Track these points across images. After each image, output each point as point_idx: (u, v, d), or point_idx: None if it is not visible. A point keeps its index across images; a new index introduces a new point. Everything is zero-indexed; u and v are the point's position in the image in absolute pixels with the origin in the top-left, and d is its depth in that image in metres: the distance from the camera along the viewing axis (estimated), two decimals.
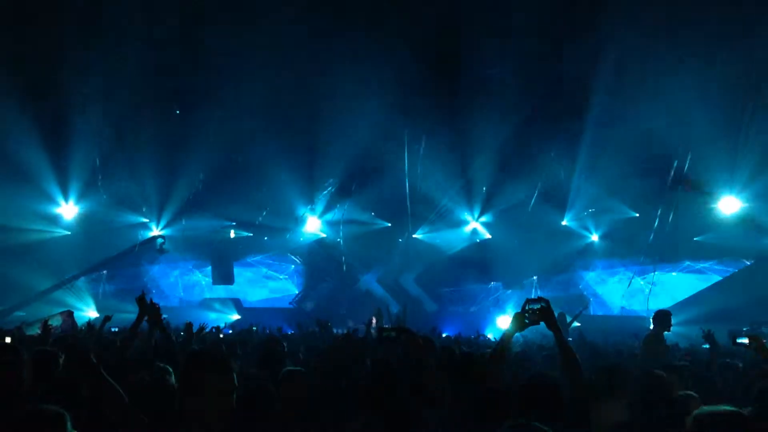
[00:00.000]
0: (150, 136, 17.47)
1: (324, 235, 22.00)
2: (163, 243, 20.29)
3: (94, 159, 17.60)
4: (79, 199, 18.68)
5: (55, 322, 12.23)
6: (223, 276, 21.97)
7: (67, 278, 18.97)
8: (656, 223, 18.95)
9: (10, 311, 17.24)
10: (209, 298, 21.87)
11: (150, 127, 17.41)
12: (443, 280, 21.37)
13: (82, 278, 19.86)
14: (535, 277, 21.24)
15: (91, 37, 13.79)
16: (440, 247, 21.86)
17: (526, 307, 3.62)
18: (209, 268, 22.18)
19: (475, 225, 21.33)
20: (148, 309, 4.62)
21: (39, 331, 11.68)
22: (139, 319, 4.92)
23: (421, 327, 11.94)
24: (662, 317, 7.53)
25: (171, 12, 13.53)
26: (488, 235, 21.48)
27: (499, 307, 20.72)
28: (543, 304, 3.59)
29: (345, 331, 15.86)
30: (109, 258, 19.96)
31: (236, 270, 22.00)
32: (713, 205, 18.31)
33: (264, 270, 23.11)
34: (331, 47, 14.95)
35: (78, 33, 13.56)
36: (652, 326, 7.68)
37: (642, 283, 20.69)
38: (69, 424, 2.55)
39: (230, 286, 22.00)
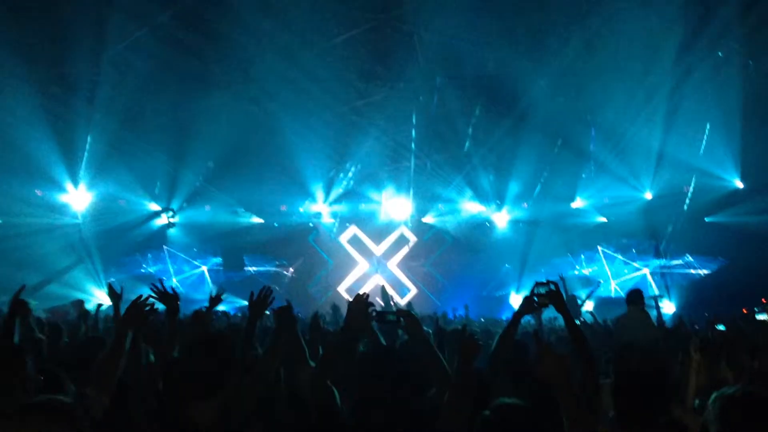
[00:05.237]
0: (160, 120, 17.24)
1: (332, 221, 21.93)
2: (173, 215, 20.35)
3: (104, 143, 17.30)
4: (90, 184, 18.55)
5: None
6: (234, 263, 21.97)
7: (72, 264, 18.94)
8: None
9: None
10: (218, 284, 21.91)
11: (161, 110, 17.16)
12: (455, 264, 21.31)
13: (98, 264, 19.80)
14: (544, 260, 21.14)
15: (102, 19, 13.35)
16: (451, 232, 21.77)
17: (535, 291, 3.61)
18: (219, 255, 22.19)
19: (486, 209, 21.21)
20: (168, 298, 4.28)
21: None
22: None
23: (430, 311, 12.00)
24: (634, 296, 7.50)
25: None
26: (500, 219, 21.37)
27: (511, 290, 20.71)
28: (552, 287, 3.57)
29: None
30: (116, 243, 19.91)
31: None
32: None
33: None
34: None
35: (87, 13, 13.14)
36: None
37: (649, 268, 20.57)
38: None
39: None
